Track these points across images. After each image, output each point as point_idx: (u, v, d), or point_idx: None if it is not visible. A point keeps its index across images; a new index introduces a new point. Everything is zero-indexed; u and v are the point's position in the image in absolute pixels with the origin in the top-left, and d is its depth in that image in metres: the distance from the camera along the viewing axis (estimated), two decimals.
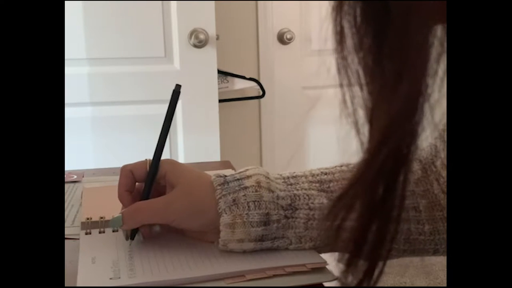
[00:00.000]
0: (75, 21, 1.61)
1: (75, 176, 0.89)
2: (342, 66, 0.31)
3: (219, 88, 1.79)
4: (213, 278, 0.51)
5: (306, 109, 2.10)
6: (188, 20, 1.66)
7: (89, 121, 1.69)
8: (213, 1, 1.66)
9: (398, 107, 0.29)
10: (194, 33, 1.66)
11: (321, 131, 2.10)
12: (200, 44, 1.66)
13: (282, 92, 2.06)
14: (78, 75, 1.64)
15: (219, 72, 1.79)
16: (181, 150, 1.74)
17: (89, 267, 0.53)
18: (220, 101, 1.78)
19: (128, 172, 0.58)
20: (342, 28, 0.30)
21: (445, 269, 0.29)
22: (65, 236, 0.63)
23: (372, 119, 0.30)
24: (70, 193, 0.81)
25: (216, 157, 1.73)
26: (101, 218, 0.64)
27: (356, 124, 0.31)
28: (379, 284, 0.33)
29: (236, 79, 1.91)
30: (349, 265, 0.33)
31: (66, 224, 0.67)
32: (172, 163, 0.59)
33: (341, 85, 0.31)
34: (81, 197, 0.76)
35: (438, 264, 1.91)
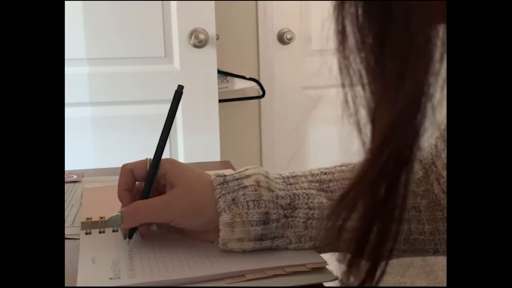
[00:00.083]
0: (75, 21, 1.61)
1: (75, 176, 0.89)
2: (344, 65, 0.31)
3: (219, 88, 1.79)
4: (213, 278, 0.51)
5: (306, 109, 2.10)
6: (188, 20, 1.66)
7: (89, 121, 1.69)
8: (213, 1, 1.66)
9: (400, 107, 0.29)
10: (194, 33, 1.66)
11: (321, 131, 2.10)
12: (200, 44, 1.66)
13: (282, 92, 2.06)
14: (78, 75, 1.64)
15: (219, 72, 1.79)
16: (181, 150, 1.74)
17: (89, 267, 0.53)
18: (220, 101, 1.78)
19: (128, 171, 0.58)
20: (344, 27, 0.30)
21: (445, 269, 0.29)
22: (65, 236, 0.63)
23: (374, 119, 0.30)
24: (70, 193, 0.81)
25: (216, 157, 1.73)
26: (101, 218, 0.64)
27: (358, 124, 0.31)
28: (380, 284, 0.33)
29: (236, 79, 1.91)
30: (351, 266, 0.33)
31: (66, 224, 0.67)
32: (173, 162, 0.59)
33: (343, 85, 0.31)
34: (81, 197, 0.76)
35: (438, 264, 1.91)
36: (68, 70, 1.61)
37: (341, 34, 0.30)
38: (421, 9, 0.28)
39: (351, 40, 0.30)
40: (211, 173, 0.58)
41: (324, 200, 0.56)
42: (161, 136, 0.58)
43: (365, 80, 0.30)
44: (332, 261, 0.49)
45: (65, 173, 0.90)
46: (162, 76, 1.69)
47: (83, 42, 1.63)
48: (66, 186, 0.84)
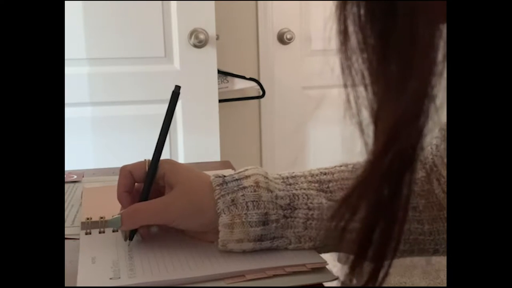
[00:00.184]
0: (75, 21, 1.61)
1: (75, 176, 0.89)
2: (346, 66, 0.31)
3: (219, 88, 1.79)
4: (213, 278, 0.51)
5: (306, 109, 2.10)
6: (188, 20, 1.66)
7: (89, 121, 1.69)
8: (213, 1, 1.66)
9: (403, 108, 0.28)
10: (194, 33, 1.66)
11: (321, 131, 2.10)
12: (200, 44, 1.66)
13: (282, 92, 2.06)
14: (78, 75, 1.64)
15: (219, 72, 1.79)
16: (181, 150, 1.74)
17: (89, 267, 0.53)
18: (220, 101, 1.78)
19: (127, 173, 0.58)
20: (346, 27, 0.30)
21: (445, 269, 0.29)
22: (65, 236, 0.63)
23: (377, 120, 0.30)
24: (70, 193, 0.81)
25: (216, 157, 1.73)
26: (101, 218, 0.64)
27: (360, 124, 0.31)
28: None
29: (236, 79, 1.91)
30: (354, 267, 0.33)
31: (66, 224, 0.67)
32: (171, 163, 0.59)
33: (345, 85, 0.31)
34: (81, 197, 0.76)
35: (438, 264, 1.91)
36: (68, 70, 1.61)
37: (343, 34, 0.30)
38: (426, 9, 0.27)
39: (353, 40, 0.30)
40: (211, 173, 0.58)
41: (324, 201, 0.56)
42: (159, 137, 0.58)
43: (368, 81, 0.30)
44: (332, 261, 0.49)
45: (65, 173, 0.90)
46: (162, 76, 1.69)
47: (83, 42, 1.63)
48: (66, 186, 0.84)
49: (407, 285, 1.86)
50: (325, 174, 0.59)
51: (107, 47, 1.66)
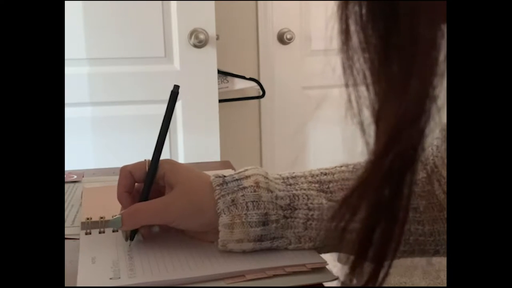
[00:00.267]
0: (75, 21, 1.61)
1: (75, 176, 0.89)
2: (348, 65, 0.31)
3: (219, 88, 1.79)
4: (213, 278, 0.51)
5: (306, 109, 2.10)
6: (188, 20, 1.66)
7: (89, 121, 1.69)
8: (213, 1, 1.66)
9: (405, 108, 0.28)
10: (194, 33, 1.66)
11: (321, 131, 2.10)
12: (200, 44, 1.66)
13: (282, 92, 2.06)
14: (78, 75, 1.64)
15: (219, 72, 1.79)
16: (181, 150, 1.74)
17: (89, 267, 0.53)
18: (220, 101, 1.78)
19: (127, 173, 0.58)
20: (347, 27, 0.30)
21: (445, 269, 0.29)
22: (65, 236, 0.63)
23: (378, 120, 0.30)
24: (70, 193, 0.81)
25: (216, 157, 1.73)
26: (101, 218, 0.64)
27: (361, 125, 0.31)
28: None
29: (236, 79, 1.91)
30: (354, 268, 0.33)
31: (66, 224, 0.67)
32: (171, 163, 0.58)
33: (346, 85, 0.31)
34: (81, 197, 0.76)
35: (438, 265, 1.91)
36: (68, 70, 1.61)
37: (345, 34, 0.30)
38: (427, 9, 0.27)
39: (354, 40, 0.30)
40: (211, 173, 0.58)
41: (324, 201, 0.56)
42: (158, 137, 0.58)
43: (369, 81, 0.30)
44: (332, 261, 0.49)
45: (65, 173, 0.90)
46: (162, 76, 1.69)
47: (83, 42, 1.63)
48: (66, 186, 0.84)
49: (407, 285, 1.86)
50: (325, 174, 0.59)
51: (107, 47, 1.66)
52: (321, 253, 0.56)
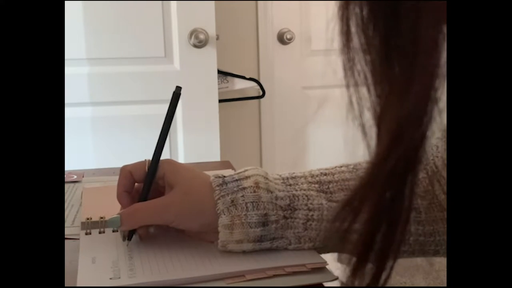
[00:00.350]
0: (75, 21, 1.61)
1: (75, 176, 0.89)
2: (349, 67, 0.31)
3: (219, 88, 1.79)
4: (213, 278, 0.51)
5: (306, 109, 2.10)
6: (188, 20, 1.66)
7: (89, 121, 1.69)
8: (213, 1, 1.66)
9: (407, 110, 0.28)
10: (194, 33, 1.66)
11: (321, 131, 2.10)
12: (200, 44, 1.66)
13: (282, 92, 2.06)
14: (78, 75, 1.64)
15: (219, 72, 1.79)
16: (181, 150, 1.74)
17: (89, 267, 0.53)
18: (220, 101, 1.78)
19: (127, 173, 0.58)
20: (348, 28, 0.30)
21: (445, 269, 0.29)
22: (65, 236, 0.63)
23: (380, 122, 0.30)
24: (70, 193, 0.81)
25: (216, 157, 1.73)
26: (101, 218, 0.64)
27: (363, 126, 0.31)
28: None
29: (236, 79, 1.91)
30: (356, 269, 0.33)
31: (66, 224, 0.67)
32: (171, 163, 0.58)
33: (347, 87, 0.31)
34: (81, 197, 0.76)
35: (438, 265, 1.91)
36: (68, 70, 1.61)
37: (346, 35, 0.30)
38: (429, 10, 0.27)
39: (356, 41, 0.30)
40: (211, 173, 0.58)
41: (324, 201, 0.56)
42: (159, 138, 0.58)
43: (370, 82, 0.30)
44: (333, 261, 0.49)
45: (65, 173, 0.90)
46: (162, 76, 1.69)
47: (83, 42, 1.63)
48: (66, 186, 0.84)
49: (407, 285, 1.86)
50: (325, 174, 0.59)
51: (107, 47, 1.66)
52: (321, 253, 0.56)
